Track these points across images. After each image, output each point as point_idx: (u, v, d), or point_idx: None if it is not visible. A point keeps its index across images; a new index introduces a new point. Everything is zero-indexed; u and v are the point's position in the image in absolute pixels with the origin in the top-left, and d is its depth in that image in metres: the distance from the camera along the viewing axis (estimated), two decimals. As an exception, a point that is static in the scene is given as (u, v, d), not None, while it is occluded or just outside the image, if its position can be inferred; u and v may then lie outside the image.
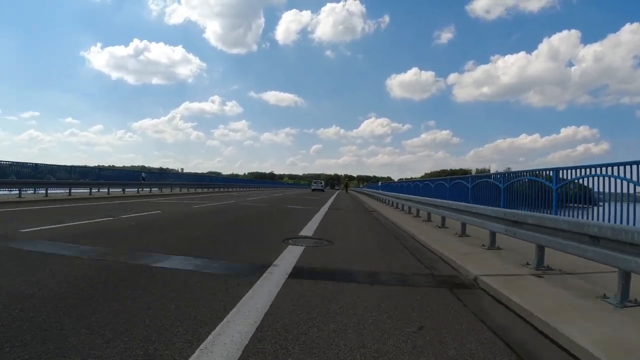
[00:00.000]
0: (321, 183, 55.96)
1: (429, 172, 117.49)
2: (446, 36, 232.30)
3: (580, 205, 5.09)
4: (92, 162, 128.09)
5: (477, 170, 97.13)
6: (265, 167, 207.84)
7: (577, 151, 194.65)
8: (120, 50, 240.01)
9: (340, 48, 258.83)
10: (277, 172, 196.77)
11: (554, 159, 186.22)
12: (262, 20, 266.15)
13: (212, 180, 37.12)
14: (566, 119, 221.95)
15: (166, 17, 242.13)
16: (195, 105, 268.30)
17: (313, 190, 46.09)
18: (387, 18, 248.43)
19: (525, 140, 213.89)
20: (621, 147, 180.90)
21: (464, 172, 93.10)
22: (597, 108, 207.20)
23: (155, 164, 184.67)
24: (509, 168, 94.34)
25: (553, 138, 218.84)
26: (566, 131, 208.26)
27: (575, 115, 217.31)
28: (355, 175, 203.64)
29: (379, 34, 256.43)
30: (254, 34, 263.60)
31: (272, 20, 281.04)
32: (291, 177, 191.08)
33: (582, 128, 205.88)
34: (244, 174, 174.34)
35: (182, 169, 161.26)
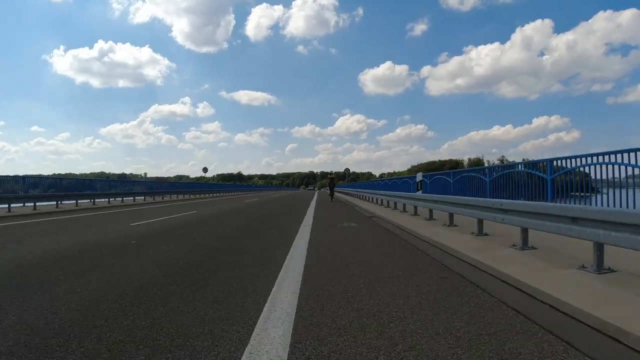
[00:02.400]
0: (313, 187, 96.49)
1: (416, 164, 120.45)
2: (420, 28, 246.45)
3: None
4: (62, 172, 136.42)
5: (469, 160, 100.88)
6: (240, 169, 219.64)
7: (549, 140, 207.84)
8: (84, 53, 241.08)
9: (314, 43, 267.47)
10: (253, 172, 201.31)
11: (526, 149, 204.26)
12: (231, 17, 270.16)
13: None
14: (538, 109, 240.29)
15: (130, 16, 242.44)
16: (165, 108, 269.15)
17: (308, 190, 77.07)
18: (360, 11, 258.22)
19: (498, 131, 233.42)
20: (591, 135, 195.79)
21: (456, 164, 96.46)
22: (569, 97, 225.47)
23: (127, 170, 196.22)
24: (502, 157, 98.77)
25: (525, 128, 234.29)
26: (538, 121, 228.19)
27: (547, 105, 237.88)
28: (333, 172, 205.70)
29: (352, 28, 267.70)
30: (223, 31, 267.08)
31: (242, 16, 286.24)
32: (262, 177, 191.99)
33: (554, 117, 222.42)
34: (213, 176, 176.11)
35: (145, 174, 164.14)
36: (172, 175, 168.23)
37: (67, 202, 17.70)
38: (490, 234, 5.96)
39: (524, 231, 4.75)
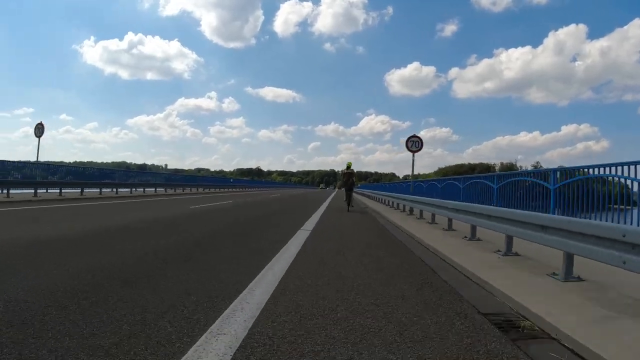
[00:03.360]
0: (333, 186, 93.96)
1: (443, 167, 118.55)
2: (450, 29, 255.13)
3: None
4: (88, 160, 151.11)
5: (501, 165, 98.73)
6: (262, 165, 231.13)
7: (577, 149, 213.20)
8: (113, 44, 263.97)
9: (341, 41, 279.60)
10: (274, 169, 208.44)
11: (553, 157, 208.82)
12: (260, 12, 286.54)
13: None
14: (567, 116, 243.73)
15: (160, 8, 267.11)
16: (191, 102, 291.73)
17: (324, 189, 69.46)
18: (390, 9, 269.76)
19: (524, 138, 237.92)
20: (620, 145, 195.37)
21: (487, 168, 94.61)
22: (599, 104, 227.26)
23: (151, 161, 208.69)
24: (538, 163, 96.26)
25: (553, 136, 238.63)
26: (567, 129, 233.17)
27: (577, 112, 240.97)
28: (351, 164, 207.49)
29: (381, 26, 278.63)
30: (251, 26, 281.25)
31: (271, 12, 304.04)
32: (282, 173, 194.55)
33: (583, 126, 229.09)
34: (231, 170, 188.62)
35: (166, 165, 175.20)
36: (192, 168, 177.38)
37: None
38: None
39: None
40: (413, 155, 14.43)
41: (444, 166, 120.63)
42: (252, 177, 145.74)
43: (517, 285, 3.63)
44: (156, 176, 29.48)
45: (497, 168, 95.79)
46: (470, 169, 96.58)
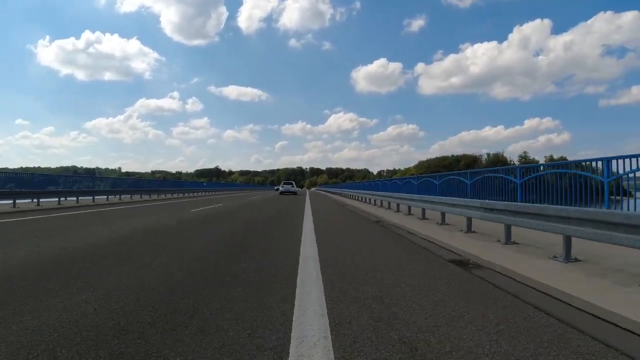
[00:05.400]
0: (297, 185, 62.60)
1: (425, 160, 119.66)
2: (417, 24, 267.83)
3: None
4: (48, 166, 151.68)
5: (488, 156, 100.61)
6: (229, 166, 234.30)
7: (539, 142, 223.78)
8: (69, 44, 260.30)
9: (308, 37, 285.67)
10: (242, 169, 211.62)
11: (515, 150, 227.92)
12: (223, 8, 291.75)
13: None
14: (530, 110, 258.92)
15: (117, 4, 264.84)
16: (153, 102, 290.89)
17: (281, 191, 44.20)
18: (358, 4, 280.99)
19: (489, 132, 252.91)
20: (581, 137, 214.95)
21: (474, 160, 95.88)
22: (562, 98, 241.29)
23: (113, 165, 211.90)
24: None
25: (516, 130, 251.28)
26: (530, 122, 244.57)
27: (540, 106, 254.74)
28: (324, 168, 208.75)
29: (349, 22, 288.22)
30: (214, 23, 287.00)
31: (235, 7, 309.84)
32: (244, 173, 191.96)
33: (546, 120, 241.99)
34: (187, 172, 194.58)
35: (119, 168, 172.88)
36: (149, 171, 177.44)
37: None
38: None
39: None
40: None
41: (425, 159, 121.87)
42: (210, 179, 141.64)
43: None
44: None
45: (483, 160, 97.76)
46: (456, 161, 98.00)
